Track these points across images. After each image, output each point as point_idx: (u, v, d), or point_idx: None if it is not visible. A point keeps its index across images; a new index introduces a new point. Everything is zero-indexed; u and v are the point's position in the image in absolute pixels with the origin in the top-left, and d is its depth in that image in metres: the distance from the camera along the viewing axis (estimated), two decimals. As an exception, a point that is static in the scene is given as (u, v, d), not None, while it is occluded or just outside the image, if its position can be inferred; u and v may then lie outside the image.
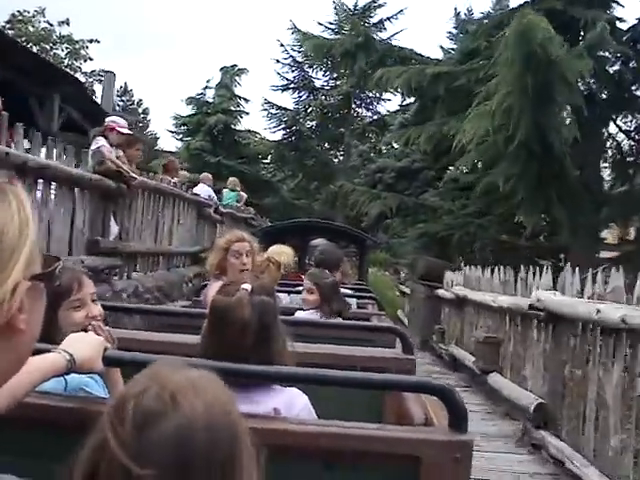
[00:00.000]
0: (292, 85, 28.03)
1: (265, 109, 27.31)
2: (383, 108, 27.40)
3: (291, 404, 1.67)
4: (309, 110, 28.02)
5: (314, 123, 28.32)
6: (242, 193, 14.84)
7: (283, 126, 27.74)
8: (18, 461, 1.13)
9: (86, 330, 1.66)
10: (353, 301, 4.59)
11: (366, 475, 1.44)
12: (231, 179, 14.77)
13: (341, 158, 28.82)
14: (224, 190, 14.35)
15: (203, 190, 11.49)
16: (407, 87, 11.78)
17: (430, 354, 10.66)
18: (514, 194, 9.55)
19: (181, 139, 28.95)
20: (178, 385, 0.81)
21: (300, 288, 4.07)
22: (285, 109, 27.55)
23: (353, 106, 27.25)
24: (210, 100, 27.54)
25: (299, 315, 3.47)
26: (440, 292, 10.80)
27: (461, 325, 9.20)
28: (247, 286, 1.75)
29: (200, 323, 1.88)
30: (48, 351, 1.40)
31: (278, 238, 8.17)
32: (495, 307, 6.98)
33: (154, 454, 0.76)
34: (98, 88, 26.31)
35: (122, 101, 42.71)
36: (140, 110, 44.37)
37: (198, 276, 9.92)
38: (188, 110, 28.06)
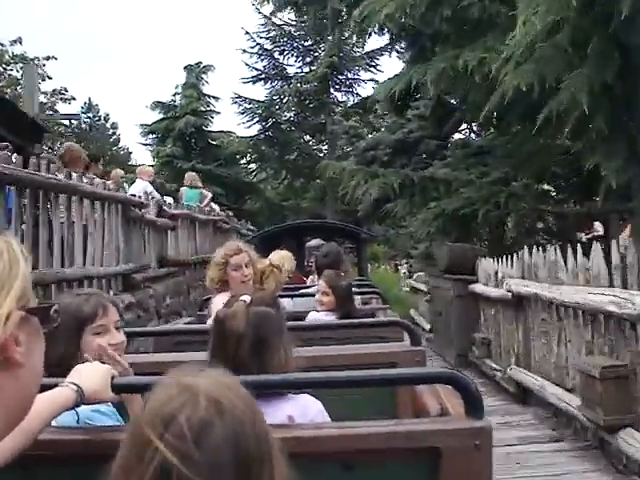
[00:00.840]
0: (263, 75, 27.12)
1: (236, 103, 26.55)
2: (364, 90, 26.85)
3: (304, 411, 1.82)
4: (285, 100, 27.18)
5: (292, 114, 27.70)
6: (205, 191, 13.14)
7: (258, 119, 26.82)
8: None
9: (101, 359, 1.76)
10: (357, 297, 4.72)
11: (387, 471, 1.52)
12: (188, 174, 13.22)
13: (326, 152, 27.78)
14: (182, 189, 12.70)
15: (139, 187, 8.26)
16: (396, 22, 8.74)
17: (474, 373, 8.10)
18: (588, 123, 7.00)
19: (152, 150, 28.89)
20: (214, 389, 0.89)
21: (303, 291, 4.70)
22: (258, 101, 27.05)
23: (332, 90, 26.55)
24: (178, 103, 27.58)
25: (313, 316, 3.83)
26: (478, 288, 8.45)
27: (523, 336, 6.88)
28: (246, 297, 1.92)
29: (206, 338, 2.04)
30: (55, 385, 1.51)
31: (274, 242, 8.41)
32: (618, 314, 4.53)
33: (217, 462, 0.82)
34: (62, 107, 27.49)
35: (88, 118, 42.25)
36: (108, 125, 44.27)
37: (134, 306, 7.37)
38: (155, 116, 28.07)
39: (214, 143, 27.35)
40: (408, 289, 17.07)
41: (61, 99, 27.67)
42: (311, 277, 6.73)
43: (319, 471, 1.44)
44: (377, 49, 25.38)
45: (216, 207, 14.06)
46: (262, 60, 26.80)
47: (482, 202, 9.97)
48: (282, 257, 5.07)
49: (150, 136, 27.87)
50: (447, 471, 1.48)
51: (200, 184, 12.87)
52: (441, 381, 1.76)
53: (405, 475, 1.52)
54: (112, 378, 1.59)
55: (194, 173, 13.57)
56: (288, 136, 26.66)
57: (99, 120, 43.36)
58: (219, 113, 28.00)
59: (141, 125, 27.90)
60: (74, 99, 29.21)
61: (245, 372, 1.73)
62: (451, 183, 11.31)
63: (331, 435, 1.53)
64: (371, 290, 5.46)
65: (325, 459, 1.49)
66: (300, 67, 27.03)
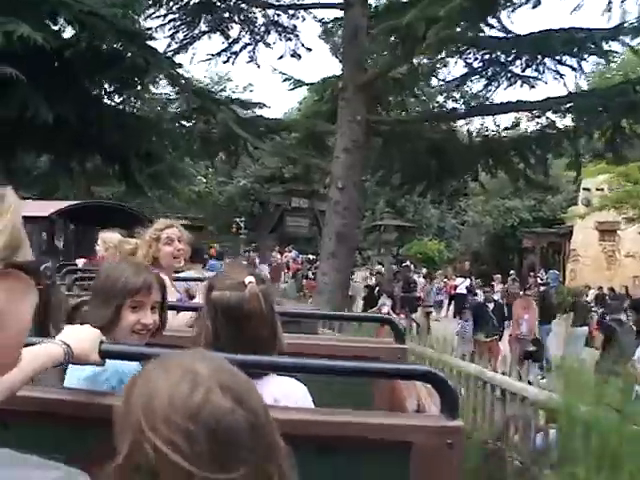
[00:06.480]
0: None
1: None
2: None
3: (288, 393, 1.81)
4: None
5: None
6: None
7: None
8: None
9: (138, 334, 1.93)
10: None
11: (359, 461, 1.55)
12: None
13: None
14: None
15: None
16: None
17: None
18: None
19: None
20: (228, 380, 0.87)
21: None
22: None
23: None
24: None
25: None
26: None
27: None
28: (251, 278, 1.86)
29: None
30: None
31: None
32: None
33: (238, 454, 0.81)
34: None
35: None
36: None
37: None
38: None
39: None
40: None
41: None
42: None
43: (294, 453, 1.46)
44: None
45: None
46: None
47: None
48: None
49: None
50: (418, 466, 1.50)
51: None
52: (418, 378, 1.78)
53: (377, 466, 1.55)
54: (100, 343, 1.61)
55: None
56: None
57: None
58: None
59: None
60: None
61: (263, 352, 1.75)
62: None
63: (309, 420, 1.55)
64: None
65: (301, 442, 1.48)
66: None
